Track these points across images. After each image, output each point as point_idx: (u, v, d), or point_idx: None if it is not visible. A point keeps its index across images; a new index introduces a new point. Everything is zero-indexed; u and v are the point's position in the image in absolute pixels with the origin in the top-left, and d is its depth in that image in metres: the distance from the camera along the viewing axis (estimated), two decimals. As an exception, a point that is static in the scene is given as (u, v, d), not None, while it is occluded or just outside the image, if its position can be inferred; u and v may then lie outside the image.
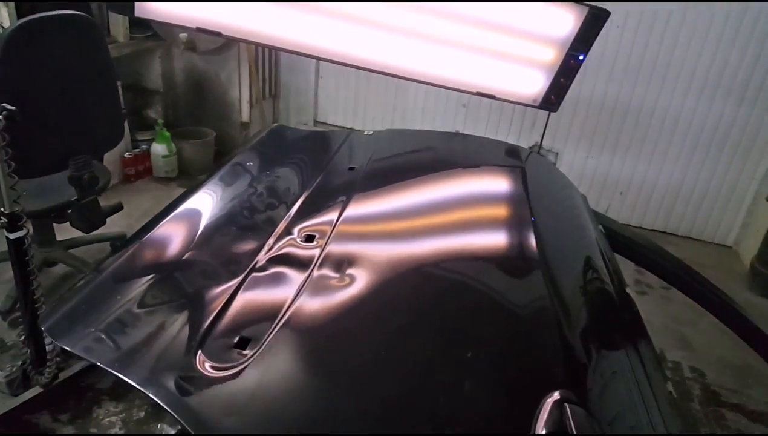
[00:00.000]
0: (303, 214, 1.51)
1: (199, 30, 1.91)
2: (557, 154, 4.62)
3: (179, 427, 1.49)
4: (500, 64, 1.94)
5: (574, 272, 1.46)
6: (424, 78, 1.96)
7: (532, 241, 1.41)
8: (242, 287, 1.22)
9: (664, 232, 4.61)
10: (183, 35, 4.11)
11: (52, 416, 2.28)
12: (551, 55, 1.87)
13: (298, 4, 1.89)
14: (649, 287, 3.68)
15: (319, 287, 1.22)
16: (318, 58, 2.06)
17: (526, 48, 1.89)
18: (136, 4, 1.83)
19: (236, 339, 1.06)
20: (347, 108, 4.99)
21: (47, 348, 2.16)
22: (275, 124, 2.24)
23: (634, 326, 1.34)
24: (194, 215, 1.57)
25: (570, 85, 1.90)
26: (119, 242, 3.36)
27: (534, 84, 1.96)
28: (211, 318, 1.11)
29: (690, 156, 4.38)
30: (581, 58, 1.84)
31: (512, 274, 1.39)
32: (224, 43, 4.28)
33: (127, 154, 4.14)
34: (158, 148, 4.24)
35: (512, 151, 2.10)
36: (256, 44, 2.04)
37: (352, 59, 1.95)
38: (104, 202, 2.74)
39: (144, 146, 4.26)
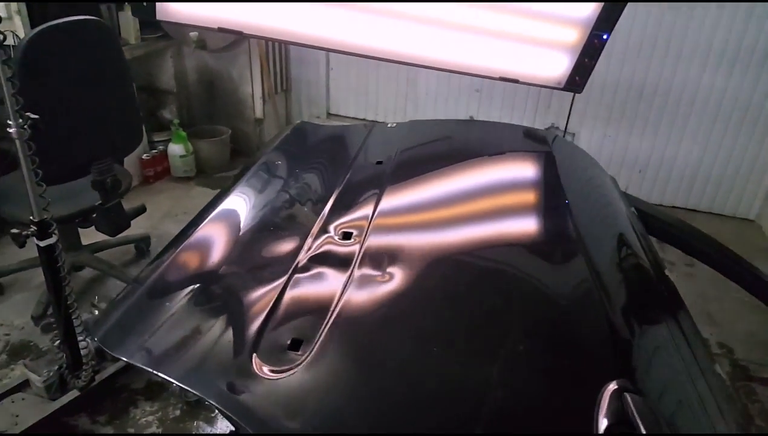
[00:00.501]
0: (337, 212, 1.51)
1: (221, 30, 1.91)
2: (574, 135, 4.58)
3: (219, 425, 1.49)
4: (523, 48, 1.92)
5: (614, 255, 1.46)
6: (445, 66, 1.95)
7: (570, 224, 1.42)
8: (287, 289, 1.22)
9: (685, 208, 4.57)
10: (193, 34, 4.11)
11: (90, 417, 2.31)
12: (575, 36, 1.84)
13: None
14: (671, 264, 3.66)
15: (363, 284, 1.22)
16: (337, 52, 2.06)
17: (549, 30, 1.87)
18: (158, 8, 1.84)
19: (289, 341, 1.06)
20: (359, 99, 4.98)
21: (82, 352, 2.19)
22: (299, 122, 2.24)
23: (677, 307, 1.32)
24: (231, 218, 1.58)
25: (594, 65, 1.88)
26: (144, 245, 3.40)
27: (558, 66, 1.94)
28: (261, 321, 1.12)
29: (709, 132, 4.32)
30: (605, 37, 1.82)
31: (555, 260, 1.40)
32: (234, 40, 4.28)
33: (145, 156, 4.17)
34: (175, 149, 4.26)
35: (537, 136, 2.10)
36: (276, 41, 2.04)
37: (373, 51, 1.94)
38: (127, 204, 2.76)
39: (161, 147, 4.28)
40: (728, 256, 1.87)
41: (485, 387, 1.01)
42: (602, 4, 1.73)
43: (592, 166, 1.93)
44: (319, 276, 1.27)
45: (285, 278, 1.25)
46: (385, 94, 4.88)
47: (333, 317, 1.12)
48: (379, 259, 1.29)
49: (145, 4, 1.84)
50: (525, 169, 1.87)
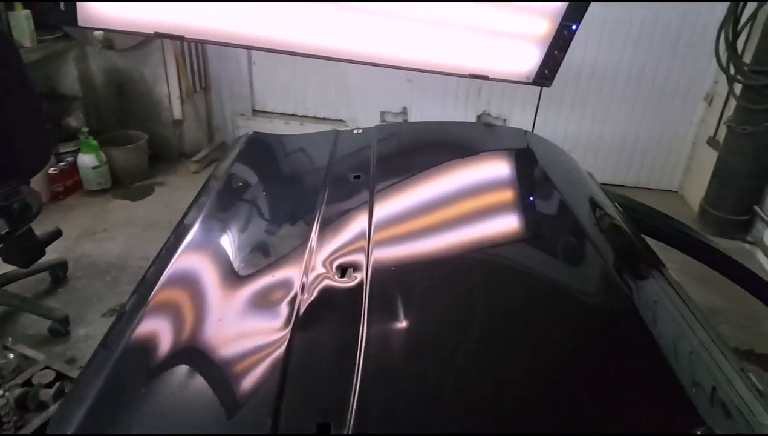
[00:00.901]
0: (326, 241, 1.31)
1: (158, 35, 1.70)
2: (505, 120, 4.57)
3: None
4: (492, 42, 1.83)
5: (615, 244, 1.43)
6: (414, 65, 1.82)
7: (571, 217, 1.40)
8: (291, 353, 1.01)
9: (614, 184, 4.68)
10: (98, 33, 3.76)
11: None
12: (545, 28, 1.77)
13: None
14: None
15: (381, 336, 1.04)
16: (291, 54, 1.88)
17: (519, 22, 1.79)
18: (80, 13, 1.59)
19: (315, 429, 0.87)
20: (287, 93, 4.76)
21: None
22: (251, 133, 2.01)
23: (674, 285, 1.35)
24: (204, 258, 1.35)
25: (563, 57, 1.81)
26: (60, 271, 3.08)
27: (527, 60, 1.86)
28: (272, 402, 0.92)
29: (631, 108, 4.43)
30: (575, 28, 1.75)
31: (568, 256, 1.36)
32: (145, 39, 3.96)
33: (52, 170, 3.78)
34: (86, 160, 3.89)
35: (509, 133, 2.02)
36: (218, 44, 1.84)
37: (337, 51, 1.80)
38: (38, 227, 2.48)
39: (69, 159, 3.89)
40: (671, 223, 1.92)
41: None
42: None
43: (568, 159, 1.89)
44: (325, 330, 1.08)
45: (285, 335, 1.05)
46: (314, 88, 4.68)
47: (358, 387, 0.93)
48: (391, 298, 1.12)
49: (63, 6, 1.58)
50: (512, 168, 1.78)
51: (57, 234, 2.70)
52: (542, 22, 1.78)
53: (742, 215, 3.91)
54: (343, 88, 4.65)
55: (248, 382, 0.97)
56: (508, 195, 1.63)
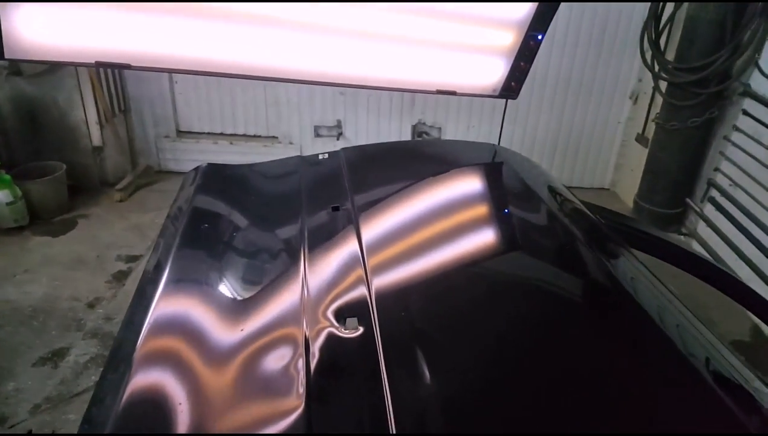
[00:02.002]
0: (319, 287, 1.17)
1: (99, 64, 1.52)
2: (440, 129, 4.56)
3: None
4: (458, 56, 1.76)
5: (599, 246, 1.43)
6: (380, 83, 1.73)
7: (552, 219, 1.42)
8: (312, 422, 0.86)
9: (549, 186, 4.76)
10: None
11: None
12: (510, 39, 1.72)
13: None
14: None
15: (407, 397, 0.91)
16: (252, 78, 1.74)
17: (484, 35, 1.72)
18: (7, 43, 1.39)
19: None
20: (213, 112, 4.55)
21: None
22: (205, 164, 1.79)
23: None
24: (187, 315, 1.16)
25: (530, 69, 1.77)
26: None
27: (493, 73, 1.81)
28: None
29: (561, 109, 4.54)
30: (540, 38, 1.71)
31: (564, 260, 1.37)
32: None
33: (-39, 210, 3.43)
34: (-1, 196, 3.56)
35: (479, 149, 1.97)
36: (171, 72, 1.66)
37: (286, 71, 1.67)
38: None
39: (-21, 196, 3.55)
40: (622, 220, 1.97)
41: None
42: (536, 4, 1.61)
43: (540, 170, 1.87)
44: (343, 400, 0.92)
45: (300, 411, 0.88)
46: (243, 105, 4.51)
47: None
48: (407, 347, 0.99)
49: None
50: (492, 184, 1.72)
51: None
52: (507, 34, 1.74)
53: (676, 208, 4.04)
54: (273, 104, 4.49)
55: None
56: (490, 211, 1.59)
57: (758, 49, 3.34)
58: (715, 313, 3.15)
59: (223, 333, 1.10)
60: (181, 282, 1.26)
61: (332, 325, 1.05)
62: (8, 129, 3.95)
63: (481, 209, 1.60)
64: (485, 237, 1.46)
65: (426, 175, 1.71)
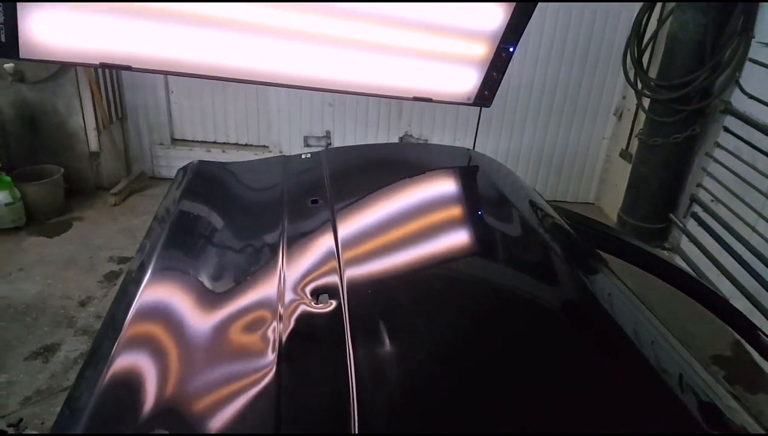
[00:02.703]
0: (294, 267, 1.28)
1: (104, 66, 1.64)
2: (426, 140, 4.68)
3: None
4: (434, 66, 1.88)
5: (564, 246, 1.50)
6: (361, 89, 1.84)
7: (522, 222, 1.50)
8: (281, 391, 0.96)
9: (535, 199, 4.86)
10: (9, 66, 3.58)
11: None
12: (483, 50, 1.83)
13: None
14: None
15: (369, 365, 1.01)
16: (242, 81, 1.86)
17: (458, 46, 1.84)
18: (22, 44, 1.51)
19: None
20: (207, 121, 4.68)
21: None
22: (196, 162, 1.93)
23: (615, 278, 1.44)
24: (175, 294, 1.27)
25: (502, 78, 1.89)
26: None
27: (467, 82, 1.92)
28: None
29: (546, 124, 4.66)
30: (512, 50, 1.83)
31: (522, 258, 1.43)
32: (58, 70, 3.81)
33: (-40, 209, 3.54)
34: (-2, 197, 3.67)
35: (453, 152, 2.05)
36: (176, 74, 1.78)
37: (279, 76, 1.80)
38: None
39: (-22, 197, 3.66)
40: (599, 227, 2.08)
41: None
42: (508, 18, 1.73)
43: (509, 173, 1.97)
44: (310, 362, 1.04)
45: (271, 370, 0.99)
46: (234, 114, 4.63)
47: (356, 417, 0.90)
48: (371, 320, 1.10)
49: (3, 38, 1.49)
50: (464, 185, 1.84)
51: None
52: (480, 46, 1.85)
53: (659, 223, 4.13)
54: (264, 114, 4.62)
55: (243, 419, 0.92)
56: (456, 207, 1.69)
57: (738, 68, 3.45)
58: (696, 328, 3.23)
59: (205, 307, 1.21)
60: (168, 270, 1.36)
61: (306, 300, 1.16)
62: (10, 133, 4.07)
63: (447, 205, 1.71)
64: (447, 231, 1.55)
65: (399, 174, 1.84)
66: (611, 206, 4.58)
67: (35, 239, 3.77)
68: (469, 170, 1.93)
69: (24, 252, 3.61)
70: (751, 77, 3.38)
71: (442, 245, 1.47)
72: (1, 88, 3.90)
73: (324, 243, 1.35)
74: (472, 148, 2.24)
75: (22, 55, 1.56)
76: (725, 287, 3.39)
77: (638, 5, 3.89)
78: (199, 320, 1.16)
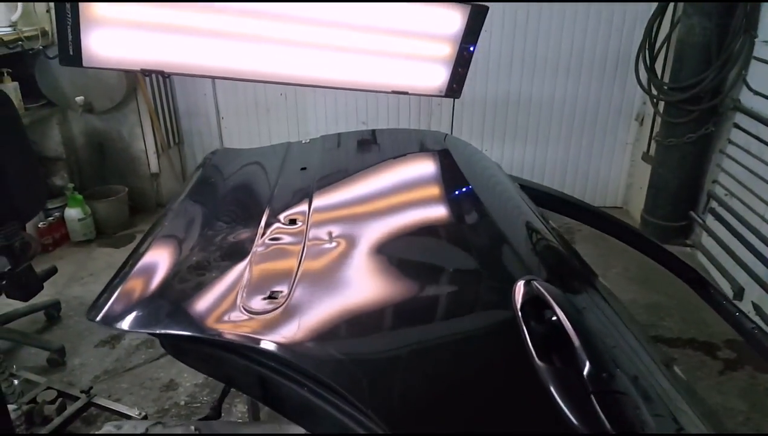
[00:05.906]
0: (279, 207, 1.70)
1: (143, 71, 2.07)
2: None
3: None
4: (408, 64, 2.25)
5: (520, 223, 1.76)
6: (346, 85, 2.23)
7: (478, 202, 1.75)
8: (253, 262, 1.41)
9: (563, 205, 5.05)
10: (80, 98, 4.12)
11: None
12: (447, 50, 2.19)
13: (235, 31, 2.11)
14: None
15: (315, 250, 1.44)
16: (256, 81, 2.29)
17: (427, 47, 2.21)
18: (84, 56, 1.95)
19: (268, 293, 1.27)
20: (252, 143, 5.10)
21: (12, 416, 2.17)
22: (218, 148, 2.42)
23: (589, 271, 1.53)
24: (188, 222, 1.77)
25: (467, 73, 2.23)
26: (54, 311, 3.34)
27: (437, 77, 2.27)
28: (244, 283, 1.32)
29: (569, 133, 4.87)
30: (472, 49, 2.17)
31: (467, 228, 1.71)
32: (122, 100, 4.34)
33: (41, 225, 4.07)
34: (72, 213, 4.20)
35: (432, 137, 2.44)
36: (199, 76, 2.24)
37: (279, 76, 2.22)
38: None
39: (57, 213, 4.20)
40: (599, 213, 2.33)
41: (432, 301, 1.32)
42: (465, 21, 2.09)
43: (481, 156, 2.27)
44: (279, 249, 1.48)
45: (251, 250, 1.46)
46: (277, 137, 5.05)
47: (299, 275, 1.33)
48: (322, 234, 1.51)
49: (71, 52, 1.94)
50: (431, 165, 2.18)
51: (53, 271, 2.97)
52: (445, 46, 2.20)
53: (680, 221, 4.28)
54: (304, 135, 5.00)
55: (226, 275, 1.38)
56: (422, 182, 2.02)
57: (744, 66, 3.62)
58: (707, 314, 3.36)
59: (211, 226, 1.71)
60: (187, 209, 1.88)
61: (282, 223, 1.60)
62: (81, 158, 4.63)
63: (411, 174, 2.07)
64: (402, 189, 1.94)
65: (377, 153, 2.26)
66: (638, 209, 4.70)
67: (104, 249, 4.26)
68: (439, 151, 2.27)
69: (94, 260, 4.10)
70: (756, 75, 3.54)
71: (395, 197, 1.86)
72: (73, 118, 4.47)
73: (302, 192, 1.77)
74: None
75: (84, 64, 2.00)
76: (741, 278, 3.51)
77: (651, 13, 4.10)
78: (206, 231, 1.66)
